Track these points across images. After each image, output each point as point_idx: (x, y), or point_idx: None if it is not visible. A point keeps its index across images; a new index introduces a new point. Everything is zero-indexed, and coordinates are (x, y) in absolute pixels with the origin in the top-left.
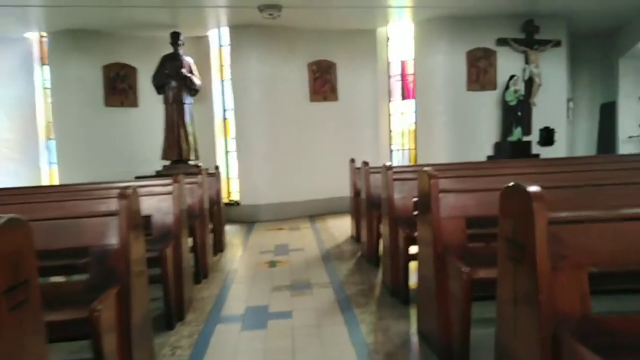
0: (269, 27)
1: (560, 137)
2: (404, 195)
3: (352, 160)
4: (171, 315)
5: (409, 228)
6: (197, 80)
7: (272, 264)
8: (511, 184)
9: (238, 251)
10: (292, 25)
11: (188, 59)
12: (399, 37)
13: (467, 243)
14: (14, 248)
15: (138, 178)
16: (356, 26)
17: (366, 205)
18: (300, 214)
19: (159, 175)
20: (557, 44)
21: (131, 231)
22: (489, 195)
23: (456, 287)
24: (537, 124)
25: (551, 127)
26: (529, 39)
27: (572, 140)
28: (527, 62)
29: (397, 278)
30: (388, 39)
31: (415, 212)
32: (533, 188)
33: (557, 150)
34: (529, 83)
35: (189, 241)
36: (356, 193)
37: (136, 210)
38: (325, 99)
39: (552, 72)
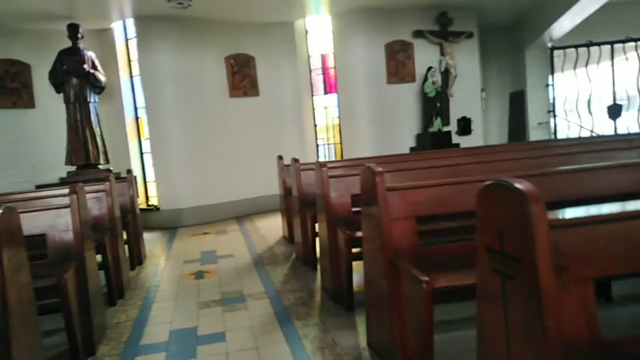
0: (179, 19)
1: (476, 126)
2: (340, 194)
3: (280, 157)
4: (77, 351)
5: (349, 228)
6: (101, 76)
7: (199, 275)
8: (491, 181)
9: (160, 262)
10: (205, 17)
11: (90, 54)
12: (318, 30)
13: (419, 244)
14: None
15: (39, 188)
16: (273, 18)
17: (299, 205)
18: (227, 216)
19: (63, 183)
20: (470, 35)
21: (8, 262)
22: (440, 190)
23: (414, 297)
24: (454, 115)
25: (468, 117)
26: (443, 31)
27: (485, 129)
28: (442, 54)
29: (339, 283)
30: (307, 31)
31: (355, 209)
32: (526, 185)
33: (474, 139)
34: (446, 74)
35: (98, 258)
36: (286, 191)
37: (14, 232)
38: (245, 94)
39: (466, 64)
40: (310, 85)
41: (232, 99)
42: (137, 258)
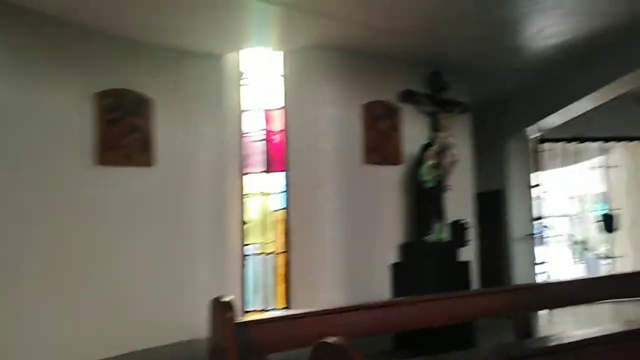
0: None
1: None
2: None
3: (227, 306)
4: None
5: None
6: None
7: None
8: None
9: None
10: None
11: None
12: (261, 73)
13: None
14: None
15: None
16: (190, 45)
17: None
18: None
19: None
20: (464, 109)
21: None
22: None
23: None
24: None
25: (462, 220)
26: (437, 97)
27: None
28: (435, 128)
29: None
30: (241, 74)
31: None
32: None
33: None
34: (441, 157)
35: None
36: None
37: None
38: (128, 161)
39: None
40: (240, 157)
41: (102, 169)
42: None
